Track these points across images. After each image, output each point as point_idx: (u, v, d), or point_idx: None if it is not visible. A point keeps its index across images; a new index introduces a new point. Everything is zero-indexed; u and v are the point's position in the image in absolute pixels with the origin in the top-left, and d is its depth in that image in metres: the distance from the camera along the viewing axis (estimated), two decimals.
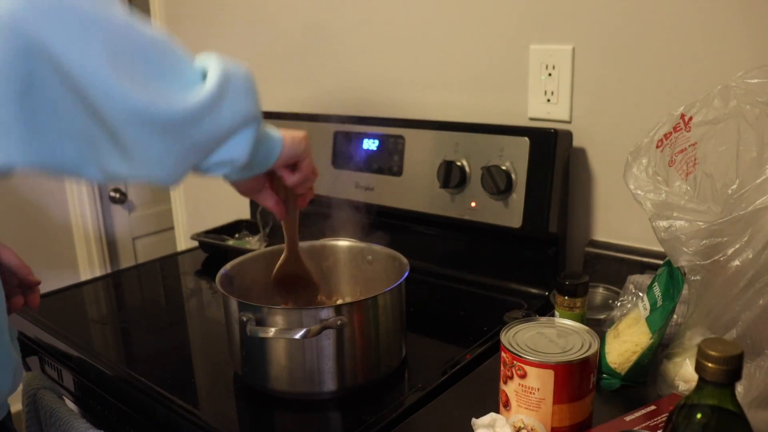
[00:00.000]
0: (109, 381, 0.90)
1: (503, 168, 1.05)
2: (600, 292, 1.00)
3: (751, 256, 0.62)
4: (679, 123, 0.72)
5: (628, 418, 0.63)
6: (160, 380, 0.85)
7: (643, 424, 0.62)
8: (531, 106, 1.13)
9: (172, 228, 1.98)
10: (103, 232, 2.74)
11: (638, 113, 1.02)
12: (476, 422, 0.64)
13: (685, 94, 0.95)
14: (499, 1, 1.13)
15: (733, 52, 0.92)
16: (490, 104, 1.18)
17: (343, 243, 0.99)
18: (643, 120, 1.00)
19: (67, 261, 2.67)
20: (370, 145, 1.23)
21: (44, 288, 1.22)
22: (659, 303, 0.74)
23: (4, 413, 0.75)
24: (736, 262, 0.63)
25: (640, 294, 0.86)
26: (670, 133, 0.72)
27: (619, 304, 0.89)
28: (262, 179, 0.77)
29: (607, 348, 0.78)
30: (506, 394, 0.66)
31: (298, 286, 0.88)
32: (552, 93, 1.10)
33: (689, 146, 0.73)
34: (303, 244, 0.99)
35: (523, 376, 0.63)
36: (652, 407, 0.65)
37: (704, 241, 0.64)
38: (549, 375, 0.62)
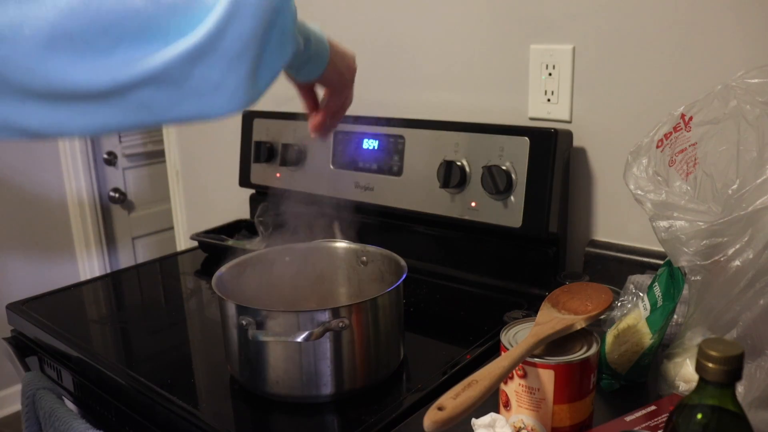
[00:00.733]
0: (108, 381, 0.90)
1: (503, 168, 1.04)
2: None
3: (751, 256, 0.62)
4: (679, 123, 0.72)
5: (628, 418, 0.63)
6: (160, 380, 0.85)
7: (644, 425, 0.62)
8: (531, 105, 1.13)
9: (171, 228, 1.98)
10: (103, 232, 2.74)
11: (638, 113, 1.02)
12: (476, 422, 0.64)
13: (685, 94, 0.94)
14: (499, 1, 1.13)
15: (733, 52, 0.92)
16: (490, 104, 1.18)
17: (336, 244, 0.99)
18: (643, 120, 1.00)
19: (66, 260, 2.67)
20: (370, 145, 1.23)
21: (44, 287, 1.22)
22: (659, 303, 0.74)
23: None
24: (737, 263, 0.63)
25: (641, 294, 0.86)
26: (670, 133, 0.72)
27: (619, 304, 0.89)
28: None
29: (608, 348, 0.78)
30: (506, 394, 0.66)
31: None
32: (552, 93, 1.10)
33: (689, 146, 0.73)
34: (300, 245, 0.99)
35: (523, 376, 0.63)
36: (653, 407, 0.65)
37: (704, 241, 0.64)
38: (549, 375, 0.62)
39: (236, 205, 1.62)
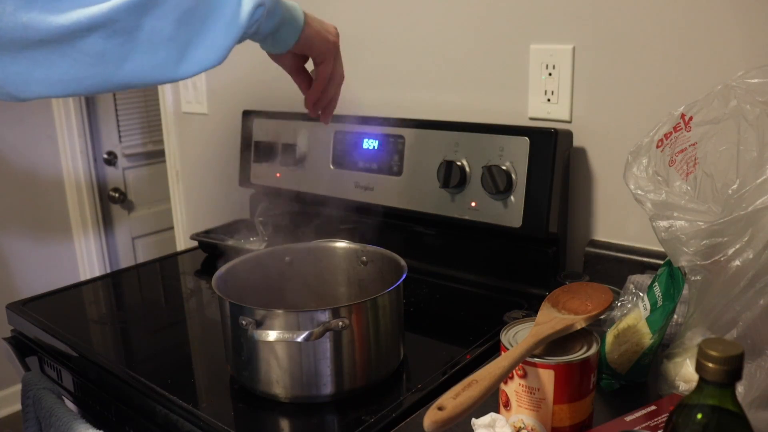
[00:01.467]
0: (108, 381, 0.90)
1: (503, 168, 1.04)
2: None
3: (751, 256, 0.62)
4: (679, 123, 0.72)
5: (628, 418, 0.63)
6: (160, 380, 0.85)
7: (644, 425, 0.62)
8: (531, 105, 1.13)
9: (171, 228, 1.98)
10: (103, 232, 2.74)
11: (638, 113, 1.02)
12: (476, 422, 0.64)
13: (685, 94, 0.95)
14: (499, 1, 1.13)
15: (733, 52, 0.92)
16: (490, 104, 1.18)
17: (336, 244, 0.99)
18: (643, 120, 1.00)
19: (66, 260, 2.67)
20: (370, 145, 1.23)
21: (44, 287, 1.22)
22: (659, 303, 0.74)
23: None
24: (737, 262, 0.63)
25: (641, 294, 0.86)
26: (671, 133, 0.72)
27: (619, 304, 0.89)
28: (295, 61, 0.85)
29: (608, 348, 0.77)
30: (506, 394, 0.66)
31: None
32: (552, 93, 1.10)
33: (689, 146, 0.73)
34: (300, 245, 0.99)
35: (524, 376, 0.63)
36: (653, 407, 0.65)
37: (704, 241, 0.64)
38: (549, 375, 0.62)
39: (236, 205, 1.62)
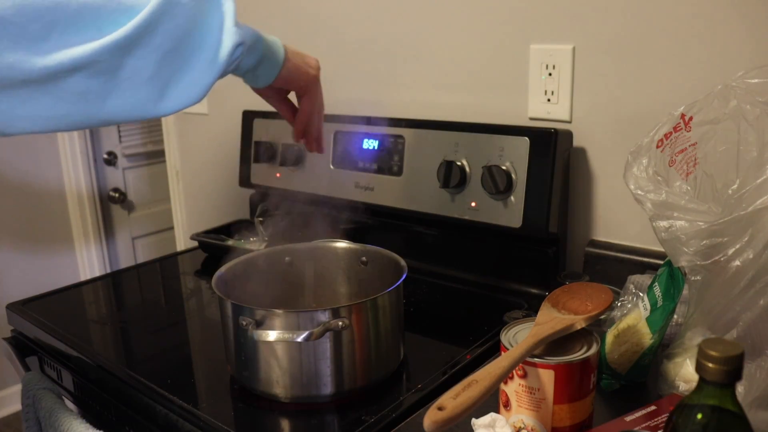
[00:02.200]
0: (108, 381, 0.90)
1: (503, 168, 1.04)
2: None
3: (751, 257, 0.62)
4: (680, 123, 0.72)
5: (628, 418, 0.63)
6: (160, 380, 0.85)
7: (644, 425, 0.62)
8: (531, 105, 1.13)
9: (171, 228, 1.98)
10: (103, 233, 2.74)
11: (638, 113, 1.02)
12: (476, 422, 0.64)
13: (685, 94, 0.95)
14: (499, 1, 1.13)
15: (733, 52, 0.92)
16: (490, 104, 1.18)
17: (336, 244, 0.99)
18: (643, 120, 1.00)
19: (66, 260, 2.67)
20: (370, 145, 1.23)
21: (44, 287, 1.22)
22: (659, 303, 0.74)
23: None
24: (737, 263, 0.63)
25: (641, 294, 0.86)
26: (671, 133, 0.72)
27: (619, 304, 0.89)
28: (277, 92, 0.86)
29: (608, 348, 0.77)
30: (506, 394, 0.66)
31: None
32: (552, 93, 1.10)
33: (689, 146, 0.73)
34: (300, 245, 0.99)
35: (524, 376, 0.63)
36: (653, 407, 0.65)
37: (705, 241, 0.64)
38: (549, 375, 0.62)
39: (236, 205, 1.62)
